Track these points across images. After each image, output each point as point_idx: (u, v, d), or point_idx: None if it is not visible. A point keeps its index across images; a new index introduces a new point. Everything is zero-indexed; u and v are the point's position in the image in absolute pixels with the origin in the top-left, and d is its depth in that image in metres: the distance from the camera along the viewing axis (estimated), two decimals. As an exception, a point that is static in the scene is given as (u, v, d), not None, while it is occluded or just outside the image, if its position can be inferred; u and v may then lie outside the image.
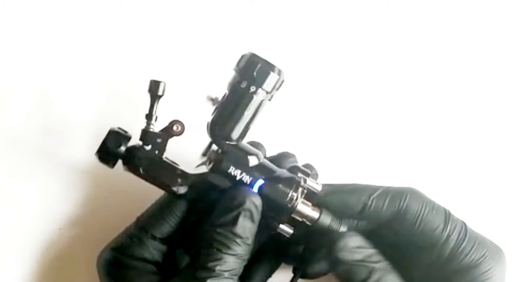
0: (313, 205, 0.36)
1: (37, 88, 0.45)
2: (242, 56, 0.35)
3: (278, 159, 0.38)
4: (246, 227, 0.33)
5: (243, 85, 0.34)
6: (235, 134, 0.35)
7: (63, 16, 0.46)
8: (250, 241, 0.34)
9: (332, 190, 0.36)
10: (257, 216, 0.34)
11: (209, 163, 0.36)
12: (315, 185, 0.36)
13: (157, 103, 0.36)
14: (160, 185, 0.36)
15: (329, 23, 0.48)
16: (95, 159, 0.44)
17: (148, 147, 0.35)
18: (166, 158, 0.36)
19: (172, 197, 0.37)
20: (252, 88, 0.34)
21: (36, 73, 0.45)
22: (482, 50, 0.48)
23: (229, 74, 0.47)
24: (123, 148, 0.35)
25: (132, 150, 0.35)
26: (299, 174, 0.36)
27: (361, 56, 0.48)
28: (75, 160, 0.44)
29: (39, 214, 0.44)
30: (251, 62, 0.34)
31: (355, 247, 0.34)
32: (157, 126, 0.37)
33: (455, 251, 0.35)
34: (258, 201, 0.34)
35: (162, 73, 0.46)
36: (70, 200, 0.44)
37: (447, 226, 0.35)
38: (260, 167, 0.35)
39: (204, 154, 0.37)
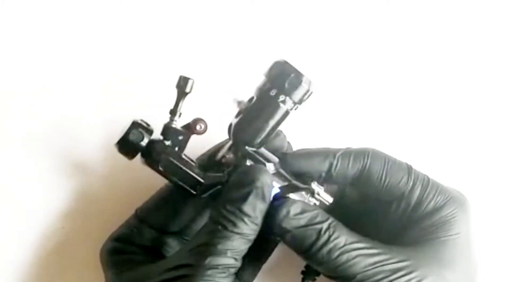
0: None
1: (37, 88, 0.45)
2: (275, 63, 0.35)
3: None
4: (256, 206, 0.32)
5: (273, 93, 0.34)
6: (257, 141, 0.35)
7: (63, 16, 0.46)
8: (258, 221, 0.32)
9: (298, 154, 0.37)
10: (269, 196, 0.33)
11: (227, 166, 0.36)
12: (327, 197, 0.36)
13: (183, 99, 0.35)
14: (175, 183, 0.35)
15: (329, 23, 0.48)
16: (95, 157, 0.45)
17: (169, 143, 0.35)
18: (185, 155, 0.36)
19: (170, 191, 0.37)
20: (281, 97, 0.34)
21: (36, 73, 0.45)
22: (482, 50, 0.48)
23: (228, 74, 0.47)
24: (144, 141, 0.34)
25: (153, 144, 0.35)
26: (313, 185, 0.36)
27: (361, 55, 0.48)
28: (75, 160, 0.44)
29: (40, 212, 0.44)
30: (283, 71, 0.34)
31: (298, 213, 0.33)
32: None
33: (420, 198, 0.36)
34: (270, 179, 0.34)
35: (162, 73, 0.46)
36: (71, 198, 0.44)
37: (411, 176, 0.36)
38: (277, 175, 0.36)
39: (221, 155, 0.37)
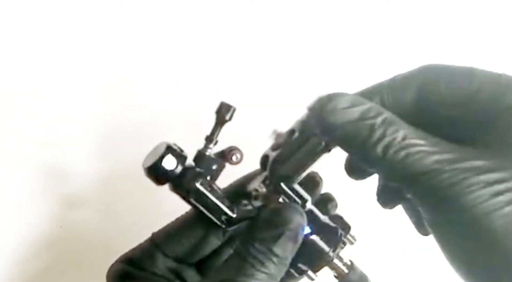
0: (344, 259, 0.35)
1: (37, 88, 0.45)
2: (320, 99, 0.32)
3: (320, 202, 0.37)
4: (287, 248, 0.30)
5: (317, 130, 0.31)
6: (294, 178, 0.33)
7: (63, 16, 0.46)
8: (287, 261, 0.31)
9: (344, 99, 0.31)
10: (301, 237, 0.31)
11: (255, 199, 0.34)
12: (352, 239, 0.36)
13: (221, 127, 0.33)
14: (204, 214, 0.33)
15: (329, 23, 0.48)
16: (93, 158, 0.44)
17: (201, 171, 0.33)
18: (215, 185, 0.34)
19: (191, 220, 0.35)
20: (326, 137, 0.31)
21: (36, 73, 0.45)
22: (482, 50, 0.48)
23: (227, 74, 0.47)
24: (178, 169, 0.32)
25: (185, 172, 0.32)
26: (341, 227, 0.35)
27: (361, 56, 0.48)
28: (75, 160, 0.44)
29: (38, 212, 0.44)
30: None
31: (347, 106, 0.29)
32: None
33: (491, 94, 0.29)
34: (304, 221, 0.32)
35: (162, 73, 0.46)
36: (71, 200, 0.44)
37: (474, 77, 0.30)
38: (308, 214, 0.34)
39: (253, 188, 0.35)
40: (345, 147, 0.30)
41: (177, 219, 0.36)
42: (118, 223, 0.43)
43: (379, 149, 0.27)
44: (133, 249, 0.36)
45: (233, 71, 0.47)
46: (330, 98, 0.29)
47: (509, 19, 0.48)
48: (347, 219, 0.36)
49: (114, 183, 0.44)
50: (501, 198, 0.25)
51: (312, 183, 0.37)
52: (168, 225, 0.36)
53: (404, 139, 0.27)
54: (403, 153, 0.27)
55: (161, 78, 0.46)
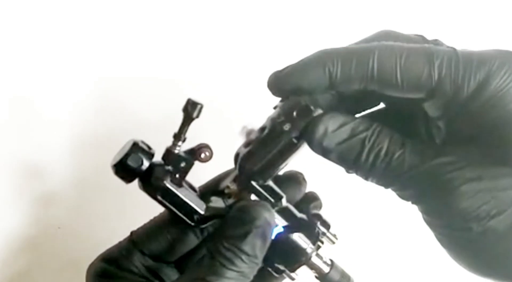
0: (324, 258, 0.35)
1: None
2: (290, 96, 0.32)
3: (303, 201, 0.37)
4: (255, 245, 0.31)
5: (286, 127, 0.31)
6: (264, 176, 0.33)
7: (62, 16, 0.46)
8: (258, 259, 0.31)
9: (287, 72, 0.31)
10: (270, 235, 0.32)
11: (229, 197, 0.34)
12: (332, 237, 0.35)
13: (189, 124, 0.33)
14: (173, 212, 0.33)
15: (329, 23, 0.48)
16: (90, 159, 0.44)
17: (170, 168, 0.33)
18: (185, 182, 0.34)
19: (169, 218, 0.35)
20: (295, 133, 0.31)
21: (34, 73, 0.45)
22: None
23: (227, 74, 0.47)
24: (144, 166, 0.32)
25: (152, 169, 0.32)
26: (319, 225, 0.35)
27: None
28: (73, 161, 0.45)
29: (35, 214, 0.44)
30: (298, 105, 0.31)
31: (336, 127, 0.29)
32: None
33: (455, 84, 0.28)
34: (272, 218, 0.32)
35: (161, 73, 0.46)
36: (68, 201, 0.45)
37: (433, 64, 0.28)
38: (282, 211, 0.34)
39: (225, 186, 0.35)
40: (340, 164, 0.31)
41: (155, 217, 0.36)
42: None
43: (371, 160, 0.29)
44: (113, 247, 0.36)
45: (233, 71, 0.47)
46: (319, 121, 0.30)
47: (509, 19, 0.48)
48: (336, 218, 0.35)
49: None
50: (472, 184, 0.28)
51: (295, 182, 0.37)
52: (146, 223, 0.36)
53: (388, 147, 0.29)
54: (388, 158, 0.29)
55: (160, 78, 0.46)
